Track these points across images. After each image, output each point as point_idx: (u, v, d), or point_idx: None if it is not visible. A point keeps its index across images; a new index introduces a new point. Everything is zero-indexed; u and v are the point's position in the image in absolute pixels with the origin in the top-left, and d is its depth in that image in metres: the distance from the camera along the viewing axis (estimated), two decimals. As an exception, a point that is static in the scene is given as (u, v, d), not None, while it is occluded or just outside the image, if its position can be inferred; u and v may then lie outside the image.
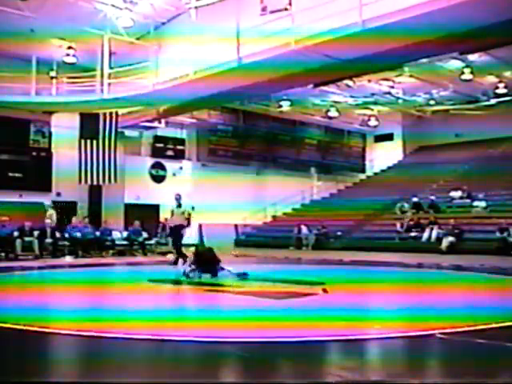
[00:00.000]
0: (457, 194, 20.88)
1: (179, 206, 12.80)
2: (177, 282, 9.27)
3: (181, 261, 11.77)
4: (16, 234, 15.12)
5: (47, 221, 16.36)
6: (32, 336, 4.77)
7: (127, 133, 21.38)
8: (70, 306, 7.01)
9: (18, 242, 15.01)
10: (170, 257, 14.69)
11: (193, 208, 23.51)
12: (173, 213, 12.85)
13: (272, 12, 13.33)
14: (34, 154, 19.73)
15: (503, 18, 11.10)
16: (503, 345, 4.42)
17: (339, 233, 20.83)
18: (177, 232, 12.70)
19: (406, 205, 21.00)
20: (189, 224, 13.14)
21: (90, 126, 18.14)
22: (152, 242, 18.23)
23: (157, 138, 23.11)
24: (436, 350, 4.49)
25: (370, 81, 22.14)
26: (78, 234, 16.18)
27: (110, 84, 17.32)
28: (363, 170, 31.43)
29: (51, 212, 17.04)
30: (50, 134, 20.09)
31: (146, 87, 16.68)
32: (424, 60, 17.92)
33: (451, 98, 25.19)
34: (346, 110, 26.65)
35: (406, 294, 7.84)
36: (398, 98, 24.45)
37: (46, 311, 6.21)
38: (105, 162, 18.15)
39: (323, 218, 21.69)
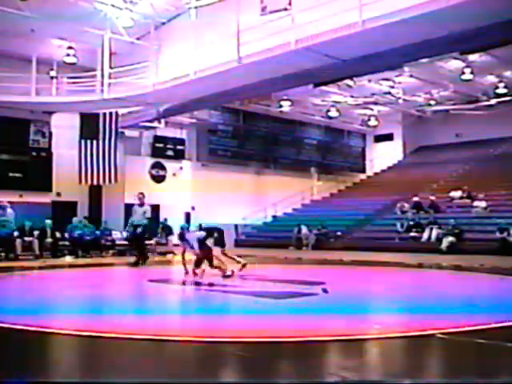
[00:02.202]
0: (457, 194, 20.87)
1: (141, 205, 12.84)
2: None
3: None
4: (16, 233, 15.12)
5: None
6: (31, 336, 4.77)
7: (127, 133, 21.38)
8: (70, 305, 7.00)
9: (18, 242, 15.01)
10: (170, 256, 14.72)
11: (193, 208, 23.56)
12: (134, 212, 12.84)
13: (272, 12, 13.34)
14: (34, 154, 19.71)
15: (503, 18, 11.10)
16: (503, 345, 4.42)
17: (339, 233, 20.83)
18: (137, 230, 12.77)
19: (406, 205, 21.00)
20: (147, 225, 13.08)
21: (90, 125, 18.15)
22: (152, 242, 18.20)
23: (157, 138, 23.11)
24: (436, 350, 4.49)
25: (370, 81, 22.14)
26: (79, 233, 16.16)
27: (110, 84, 17.31)
28: (363, 170, 31.42)
29: (11, 211, 15.77)
30: (50, 134, 20.07)
31: (146, 87, 16.68)
32: (424, 60, 17.93)
33: (451, 98, 25.18)
34: (346, 109, 26.65)
35: (406, 293, 7.85)
36: (398, 97, 24.45)
37: (45, 311, 6.21)
38: (105, 162, 18.15)
39: (323, 217, 21.69)
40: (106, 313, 5.94)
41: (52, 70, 18.69)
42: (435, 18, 11.04)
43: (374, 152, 31.80)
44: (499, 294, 7.72)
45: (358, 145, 31.67)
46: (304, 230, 21.08)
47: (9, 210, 15.23)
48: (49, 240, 15.82)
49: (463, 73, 20.73)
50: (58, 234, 16.06)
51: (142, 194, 13.09)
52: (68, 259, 15.18)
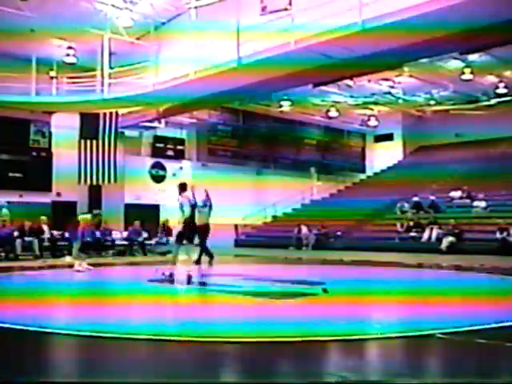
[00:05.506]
0: (457, 194, 20.87)
1: (204, 206, 12.52)
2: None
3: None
4: (16, 233, 15.11)
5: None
6: (31, 336, 4.77)
7: (127, 133, 21.37)
8: (70, 306, 7.00)
9: (18, 242, 15.00)
10: (170, 256, 14.72)
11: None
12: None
13: (272, 12, 13.34)
14: (34, 154, 19.72)
15: (503, 18, 11.11)
16: (503, 345, 4.41)
17: (339, 233, 20.81)
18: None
19: (406, 205, 20.99)
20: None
21: (89, 125, 18.13)
22: (152, 242, 18.22)
23: (157, 138, 23.10)
24: (436, 350, 4.49)
25: (369, 81, 22.15)
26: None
27: (110, 84, 17.32)
28: (363, 170, 31.43)
29: (6, 212, 15.61)
30: (50, 133, 20.08)
31: (146, 87, 16.69)
32: (424, 60, 17.93)
33: (451, 98, 25.20)
34: (345, 109, 26.65)
35: (405, 293, 7.84)
36: (398, 97, 24.46)
37: (45, 311, 6.20)
38: (105, 162, 18.13)
39: (323, 218, 21.69)
40: (106, 313, 5.93)
41: (52, 69, 18.69)
42: (435, 18, 11.04)
43: (374, 152, 31.81)
44: (499, 295, 7.72)
45: (358, 145, 31.68)
46: (304, 229, 21.06)
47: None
48: (46, 236, 15.78)
49: (463, 73, 20.74)
50: (56, 234, 16.04)
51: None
52: (68, 259, 15.15)
